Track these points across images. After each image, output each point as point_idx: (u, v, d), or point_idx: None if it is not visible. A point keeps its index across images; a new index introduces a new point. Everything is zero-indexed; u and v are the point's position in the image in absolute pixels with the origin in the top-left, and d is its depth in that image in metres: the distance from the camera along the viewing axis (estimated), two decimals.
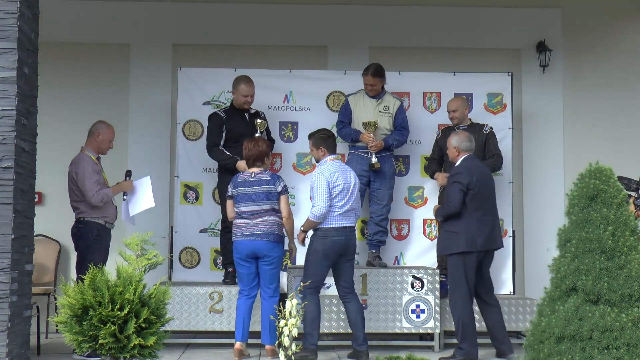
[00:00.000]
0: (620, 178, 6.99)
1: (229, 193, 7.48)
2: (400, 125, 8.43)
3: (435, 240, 8.52)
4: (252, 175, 7.41)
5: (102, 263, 7.15)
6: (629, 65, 9.69)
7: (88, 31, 9.38)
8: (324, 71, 9.08)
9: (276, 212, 7.37)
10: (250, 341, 7.75)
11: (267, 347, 7.29)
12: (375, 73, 8.29)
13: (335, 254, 7.28)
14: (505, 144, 8.82)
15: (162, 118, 9.31)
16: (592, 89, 9.67)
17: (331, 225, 7.29)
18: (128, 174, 7.87)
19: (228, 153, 8.11)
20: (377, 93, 8.38)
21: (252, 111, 8.31)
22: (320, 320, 7.30)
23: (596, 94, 9.66)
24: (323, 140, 7.49)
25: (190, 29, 9.45)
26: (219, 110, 8.32)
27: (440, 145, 8.40)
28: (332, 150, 7.52)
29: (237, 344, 7.29)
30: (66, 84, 9.31)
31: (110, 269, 5.35)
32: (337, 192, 7.30)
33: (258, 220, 7.29)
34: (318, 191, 7.29)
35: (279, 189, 7.38)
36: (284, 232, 7.48)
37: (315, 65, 9.24)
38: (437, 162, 8.47)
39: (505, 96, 8.92)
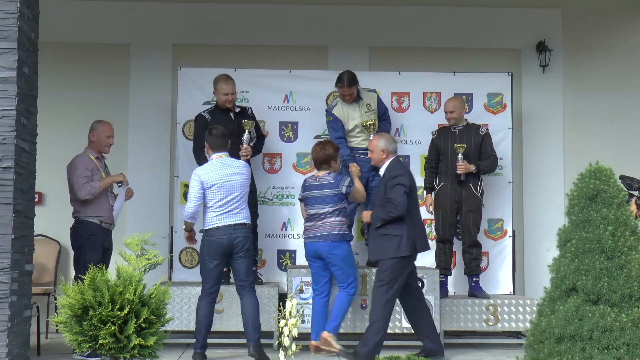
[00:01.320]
0: (622, 177, 7.00)
1: (299, 196, 7.77)
2: (384, 115, 8.45)
3: (435, 240, 8.52)
4: (317, 179, 7.60)
5: (96, 262, 7.18)
6: (629, 65, 9.69)
7: (88, 31, 9.39)
8: (324, 71, 9.07)
9: (340, 212, 7.51)
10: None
11: (323, 333, 7.44)
12: (350, 82, 8.23)
13: (219, 254, 7.18)
14: (505, 144, 8.83)
15: (162, 118, 9.31)
16: (592, 89, 9.67)
17: (213, 226, 7.18)
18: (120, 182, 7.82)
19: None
20: (353, 99, 8.35)
21: (237, 110, 8.27)
22: (204, 325, 7.22)
23: (596, 94, 9.66)
24: (207, 138, 7.41)
25: (190, 29, 9.45)
26: (204, 112, 8.26)
27: (436, 146, 8.40)
28: (215, 147, 7.34)
29: (313, 343, 7.49)
30: (66, 84, 9.31)
31: (111, 269, 5.35)
32: (213, 191, 7.18)
33: (321, 222, 7.46)
34: (189, 190, 7.29)
35: (343, 189, 7.50)
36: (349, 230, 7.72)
37: (315, 65, 9.23)
38: (435, 163, 8.45)
39: (505, 96, 8.93)
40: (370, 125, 8.15)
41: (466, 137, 8.33)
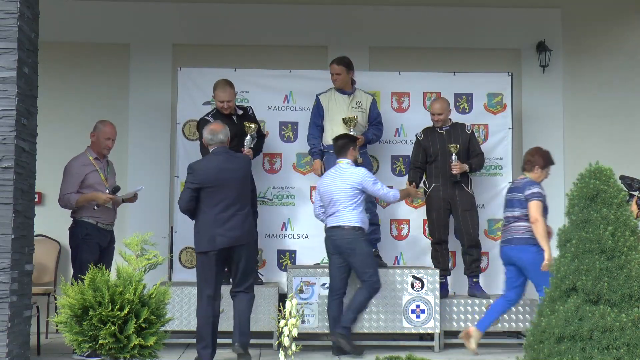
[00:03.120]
0: (622, 177, 7.00)
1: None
2: (376, 120, 8.43)
3: (430, 242, 8.52)
4: (514, 182, 7.75)
5: (92, 262, 7.15)
6: (629, 65, 9.69)
7: (88, 31, 9.39)
8: (324, 71, 9.01)
9: (525, 217, 7.45)
10: (251, 341, 7.75)
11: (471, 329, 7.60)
12: (340, 62, 8.28)
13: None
14: (505, 144, 8.84)
15: (162, 118, 9.31)
16: (592, 89, 9.67)
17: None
18: (114, 189, 7.66)
19: None
20: (342, 84, 8.33)
21: (240, 112, 8.25)
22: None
23: (596, 94, 9.66)
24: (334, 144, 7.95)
25: (190, 29, 9.45)
26: (207, 115, 8.25)
27: (424, 147, 8.38)
28: (336, 153, 7.87)
29: (472, 329, 7.56)
30: (66, 84, 9.31)
31: (112, 269, 5.36)
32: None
33: (509, 225, 7.54)
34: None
35: (527, 195, 7.43)
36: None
37: (315, 65, 9.22)
38: (420, 164, 8.40)
39: (505, 96, 8.92)
40: (349, 120, 8.14)
41: (454, 136, 8.33)
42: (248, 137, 8.00)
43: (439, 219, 8.31)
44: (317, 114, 8.37)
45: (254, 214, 8.03)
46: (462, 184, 8.27)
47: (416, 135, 8.49)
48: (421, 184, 8.41)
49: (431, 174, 8.36)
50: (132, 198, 7.94)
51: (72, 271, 7.87)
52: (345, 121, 8.15)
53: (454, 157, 8.16)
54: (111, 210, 7.72)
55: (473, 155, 8.36)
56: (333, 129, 8.27)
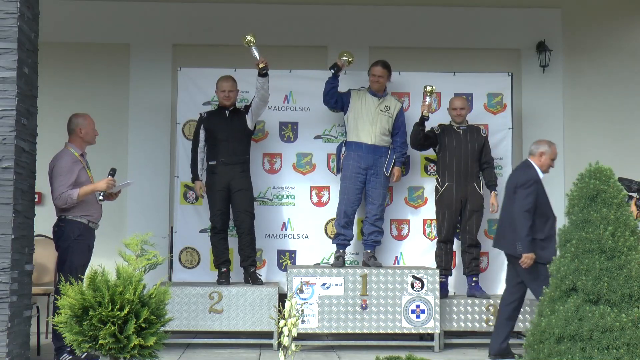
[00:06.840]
0: (620, 179, 6.99)
1: None
2: (400, 129, 8.42)
3: (435, 240, 8.56)
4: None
5: (83, 265, 7.05)
6: (629, 65, 9.69)
7: (88, 31, 9.39)
8: (324, 71, 9.02)
9: None
10: (251, 341, 7.77)
11: None
12: (385, 65, 8.35)
13: None
14: (505, 144, 8.84)
15: (162, 118, 9.31)
16: (592, 89, 9.68)
17: None
18: (112, 172, 7.24)
19: (199, 166, 8.27)
20: (381, 88, 8.37)
21: (231, 108, 8.33)
22: None
23: (596, 94, 9.67)
24: None
25: (190, 29, 9.45)
26: (203, 111, 8.40)
27: (440, 141, 8.41)
28: None
29: None
30: (66, 84, 9.31)
31: (105, 269, 5.32)
32: None
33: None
34: None
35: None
36: None
37: (315, 65, 9.23)
38: (422, 132, 8.36)
39: (505, 96, 8.93)
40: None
41: (470, 137, 8.36)
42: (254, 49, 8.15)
43: (450, 218, 8.32)
44: (341, 99, 8.36)
45: (250, 215, 8.24)
46: (474, 184, 8.31)
47: (432, 128, 8.47)
48: (434, 180, 8.52)
49: (445, 172, 8.35)
50: (114, 195, 7.48)
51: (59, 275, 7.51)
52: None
53: (427, 98, 8.21)
54: (100, 206, 7.37)
55: (484, 164, 8.40)
56: (358, 127, 8.31)
